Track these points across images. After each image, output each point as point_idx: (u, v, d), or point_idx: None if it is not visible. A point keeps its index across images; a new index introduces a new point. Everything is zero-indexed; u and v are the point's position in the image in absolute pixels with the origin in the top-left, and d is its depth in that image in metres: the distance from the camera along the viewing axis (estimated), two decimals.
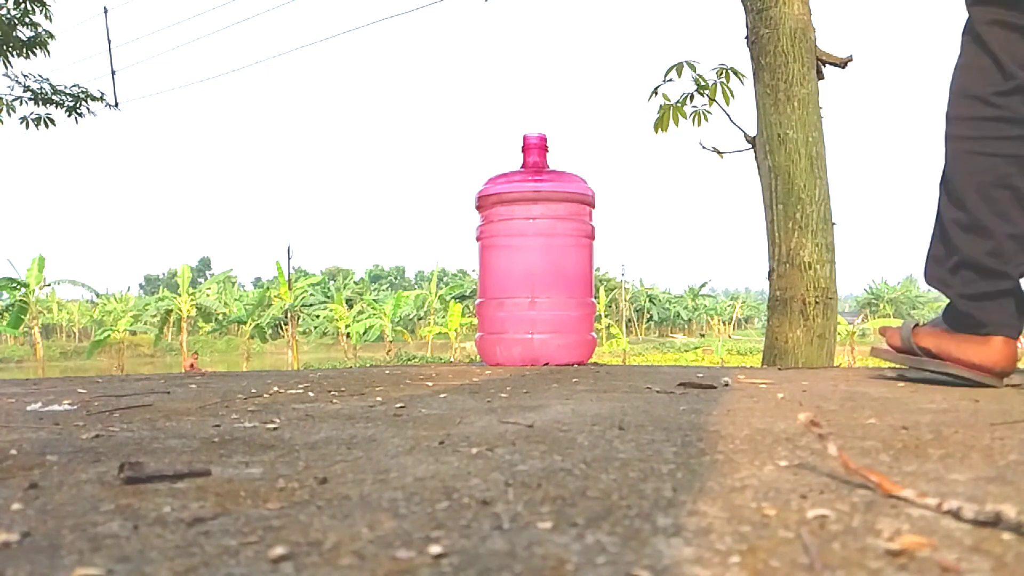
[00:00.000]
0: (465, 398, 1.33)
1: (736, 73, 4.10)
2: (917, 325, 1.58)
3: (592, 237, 2.65)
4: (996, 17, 1.45)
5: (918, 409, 1.09)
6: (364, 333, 34.34)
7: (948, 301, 1.50)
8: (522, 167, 2.64)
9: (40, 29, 8.67)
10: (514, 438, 0.88)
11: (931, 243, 1.54)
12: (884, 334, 1.66)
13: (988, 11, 1.46)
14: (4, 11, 8.37)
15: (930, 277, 1.54)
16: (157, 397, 1.44)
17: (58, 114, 9.24)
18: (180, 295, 29.76)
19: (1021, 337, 1.55)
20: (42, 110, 9.17)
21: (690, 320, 64.65)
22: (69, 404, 1.32)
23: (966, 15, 1.52)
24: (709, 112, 4.19)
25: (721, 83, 4.13)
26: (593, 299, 2.65)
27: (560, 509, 0.56)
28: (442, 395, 1.40)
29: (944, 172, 1.50)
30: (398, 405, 1.24)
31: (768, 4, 3.44)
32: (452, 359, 26.19)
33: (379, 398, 1.36)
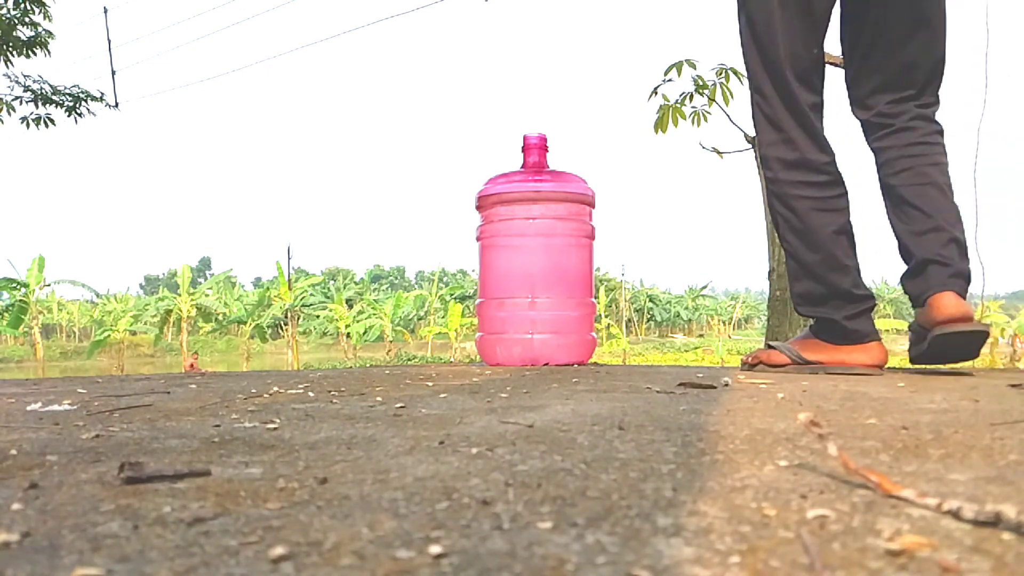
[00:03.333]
0: (465, 398, 1.33)
1: (736, 73, 4.10)
2: (773, 346, 1.91)
3: (592, 237, 2.65)
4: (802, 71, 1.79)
5: (918, 409, 1.09)
6: (364, 333, 34.34)
7: (830, 319, 1.80)
8: (522, 167, 2.64)
9: (40, 29, 8.69)
10: (514, 438, 0.88)
11: (799, 282, 1.85)
12: (764, 359, 1.89)
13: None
14: (4, 11, 8.38)
15: (805, 309, 1.85)
16: (157, 397, 1.44)
17: (58, 114, 9.27)
18: (180, 295, 29.75)
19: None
20: (42, 110, 9.19)
21: (690, 320, 64.62)
22: (69, 404, 1.32)
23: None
24: (709, 112, 4.19)
25: (721, 83, 4.13)
26: (593, 299, 2.65)
27: (560, 509, 0.56)
28: (442, 395, 1.39)
29: (793, 224, 1.82)
30: (398, 405, 1.24)
31: None
32: (452, 359, 26.17)
33: (379, 398, 1.36)
